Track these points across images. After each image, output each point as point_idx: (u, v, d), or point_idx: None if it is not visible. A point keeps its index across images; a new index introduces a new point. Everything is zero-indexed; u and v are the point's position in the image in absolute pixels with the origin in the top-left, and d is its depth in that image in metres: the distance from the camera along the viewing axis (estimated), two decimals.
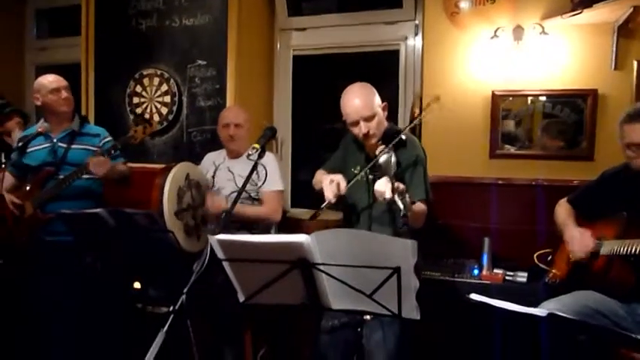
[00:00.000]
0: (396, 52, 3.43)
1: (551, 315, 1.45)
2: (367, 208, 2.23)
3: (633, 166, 1.90)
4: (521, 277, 2.62)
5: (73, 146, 2.74)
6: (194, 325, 2.18)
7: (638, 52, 2.72)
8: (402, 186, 1.79)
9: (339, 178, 2.09)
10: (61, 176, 2.63)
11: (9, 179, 2.75)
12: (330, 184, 2.06)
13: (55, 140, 2.74)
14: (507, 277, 2.66)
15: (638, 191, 1.89)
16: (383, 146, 2.05)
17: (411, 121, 3.05)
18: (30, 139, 2.75)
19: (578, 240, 1.97)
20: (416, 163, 2.16)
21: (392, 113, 3.21)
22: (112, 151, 2.62)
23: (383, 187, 1.82)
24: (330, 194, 2.04)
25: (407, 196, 1.77)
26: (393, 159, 1.95)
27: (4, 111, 3.49)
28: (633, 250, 1.77)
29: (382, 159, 1.96)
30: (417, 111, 3.08)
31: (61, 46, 4.38)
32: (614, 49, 2.72)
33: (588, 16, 2.59)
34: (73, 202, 2.58)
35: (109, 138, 2.84)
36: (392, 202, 1.77)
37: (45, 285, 2.64)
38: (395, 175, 1.89)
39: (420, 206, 2.06)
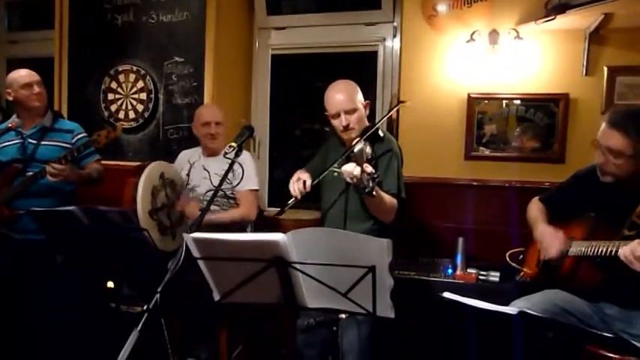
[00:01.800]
0: (375, 54, 3.45)
1: (521, 313, 1.49)
2: (343, 204, 2.26)
3: (599, 174, 1.91)
4: (494, 276, 2.67)
5: (44, 142, 2.68)
6: (168, 324, 2.16)
7: (608, 58, 2.80)
8: (370, 167, 1.87)
9: (305, 176, 2.20)
10: (30, 173, 2.58)
11: None
12: (296, 181, 2.17)
13: (25, 136, 2.68)
14: (481, 277, 2.70)
15: (605, 193, 1.93)
16: (359, 139, 2.12)
17: (383, 116, 3.09)
18: (0, 134, 2.69)
19: (549, 238, 2.01)
20: (390, 158, 2.22)
21: (370, 113, 3.24)
22: (71, 156, 2.54)
23: (351, 167, 1.90)
24: (295, 191, 2.14)
25: (375, 178, 1.85)
26: (367, 149, 2.02)
27: None
28: (599, 252, 1.81)
29: (356, 148, 2.07)
30: (394, 112, 3.11)
31: (33, 40, 4.26)
32: (586, 54, 2.80)
33: (561, 22, 2.65)
34: (40, 199, 2.54)
35: (83, 134, 2.79)
36: (359, 180, 1.85)
37: (14, 283, 2.59)
38: (369, 162, 1.97)
39: (389, 198, 2.13)
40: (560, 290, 1.95)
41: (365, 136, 2.14)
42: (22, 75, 2.69)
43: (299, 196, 2.14)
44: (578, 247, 1.94)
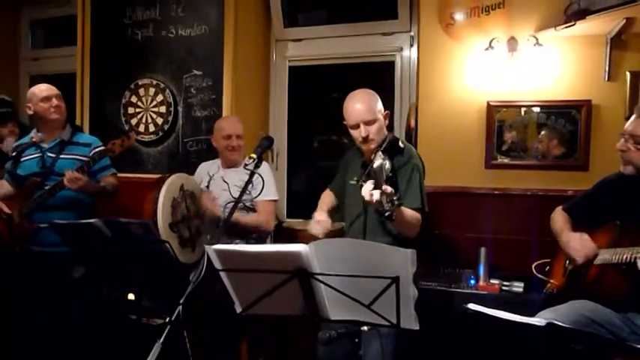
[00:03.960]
0: (392, 63, 3.45)
1: (549, 324, 1.45)
2: (362, 217, 2.23)
3: (622, 171, 1.95)
4: (518, 287, 2.62)
5: (62, 156, 2.72)
6: (190, 336, 2.16)
7: (630, 63, 2.75)
8: (389, 189, 1.79)
9: (324, 218, 2.25)
10: (47, 186, 2.62)
11: (7, 187, 2.75)
12: (316, 223, 2.22)
13: (44, 150, 2.72)
14: (504, 288, 2.65)
15: (631, 199, 1.90)
16: (379, 153, 2.07)
17: (407, 134, 3.08)
18: (24, 149, 2.74)
19: (576, 243, 1.98)
20: (412, 171, 2.17)
21: (389, 123, 3.24)
22: (87, 167, 2.57)
23: (370, 188, 1.84)
24: (316, 232, 2.18)
25: (395, 198, 1.78)
26: (387, 165, 1.97)
27: None
28: (625, 259, 1.78)
29: (376, 164, 1.98)
30: (412, 121, 3.10)
31: (55, 56, 4.38)
32: (608, 60, 2.75)
33: (581, 27, 2.62)
34: (59, 212, 2.57)
35: (101, 147, 2.83)
36: (379, 204, 1.78)
37: (34, 296, 2.61)
38: (388, 180, 1.90)
39: (412, 214, 2.08)
40: (587, 301, 1.90)
41: (383, 148, 2.09)
42: (42, 89, 2.75)
43: (321, 237, 2.14)
44: (603, 256, 1.90)
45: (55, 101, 2.73)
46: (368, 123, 2.17)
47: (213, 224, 2.62)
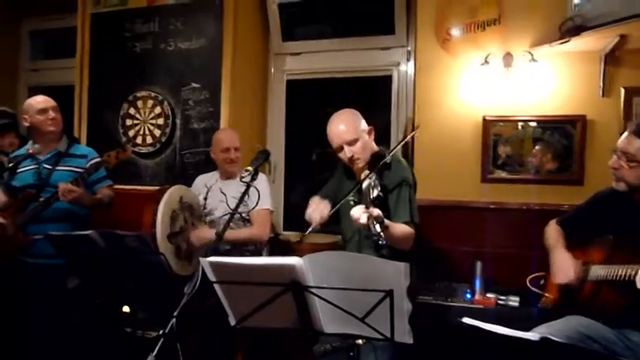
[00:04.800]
0: (389, 78, 3.49)
1: (544, 339, 1.45)
2: (356, 232, 2.23)
3: (615, 187, 1.94)
4: (514, 301, 2.62)
5: (58, 167, 2.72)
6: (184, 349, 2.14)
7: (624, 80, 2.78)
8: (376, 211, 1.80)
9: (323, 205, 2.19)
10: (42, 198, 2.61)
11: (2, 199, 2.74)
12: (315, 209, 2.17)
13: (40, 161, 2.73)
14: (500, 302, 2.65)
15: (623, 215, 1.90)
16: (367, 172, 2.09)
17: (395, 147, 3.09)
18: (20, 160, 2.74)
19: (563, 266, 1.99)
20: (401, 185, 2.16)
21: (384, 137, 3.25)
22: (81, 179, 2.58)
23: (357, 213, 1.85)
24: (315, 220, 2.14)
25: (383, 220, 1.81)
26: (374, 184, 1.98)
27: None
28: (618, 276, 1.78)
29: (364, 184, 2.02)
30: (409, 137, 3.11)
31: (55, 68, 4.40)
32: (602, 76, 2.78)
33: (576, 44, 2.65)
34: (54, 224, 2.56)
35: (97, 158, 2.82)
36: (367, 227, 1.80)
37: (28, 308, 2.60)
38: (377, 200, 1.92)
39: (403, 228, 2.06)
40: (582, 317, 1.90)
41: (369, 167, 2.10)
42: (38, 101, 2.75)
43: (317, 226, 2.13)
44: (597, 272, 1.90)
45: (51, 113, 2.73)
46: (350, 143, 2.17)
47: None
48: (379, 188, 1.98)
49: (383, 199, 1.99)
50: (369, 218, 1.78)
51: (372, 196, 1.94)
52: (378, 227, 1.76)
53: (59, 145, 2.77)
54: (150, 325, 2.58)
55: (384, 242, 1.77)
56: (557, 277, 2.00)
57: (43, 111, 2.72)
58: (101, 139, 3.52)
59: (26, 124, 2.76)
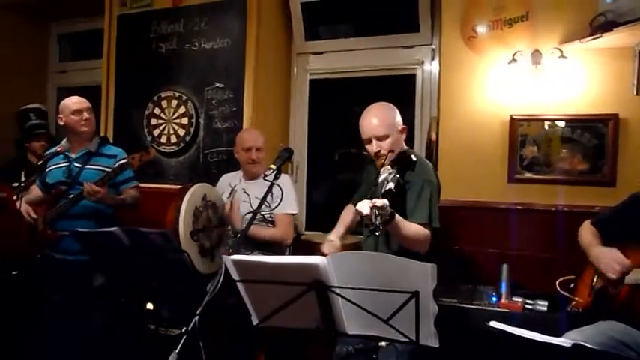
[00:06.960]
0: (413, 77, 3.44)
1: (575, 345, 1.39)
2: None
3: None
4: (542, 305, 2.54)
5: (88, 166, 2.78)
6: (206, 347, 2.15)
7: None
8: (380, 203, 1.76)
9: (333, 236, 2.29)
10: (72, 195, 2.67)
11: (37, 192, 2.81)
12: (328, 243, 2.25)
13: (72, 160, 2.78)
14: (527, 306, 2.57)
15: None
16: (388, 167, 2.07)
17: (428, 148, 3.05)
18: (49, 158, 2.80)
19: (613, 256, 1.90)
20: (423, 186, 2.11)
21: (408, 137, 3.20)
22: (107, 179, 2.61)
23: (363, 205, 1.81)
24: (326, 251, 2.17)
25: (387, 212, 1.78)
26: (390, 179, 1.95)
27: (35, 132, 3.54)
28: None
29: (381, 177, 2.00)
30: (433, 135, 3.07)
31: (82, 69, 4.49)
32: (636, 73, 2.68)
33: (608, 40, 2.56)
34: (80, 221, 2.62)
35: (123, 160, 2.86)
36: (369, 218, 1.76)
37: (54, 302, 2.65)
38: (389, 193, 1.89)
39: (417, 229, 2.02)
40: (616, 322, 1.83)
41: (391, 163, 2.08)
42: (74, 102, 2.82)
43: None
44: (635, 275, 1.83)
45: (85, 114, 2.80)
46: (380, 138, 2.13)
47: (232, 234, 2.63)
48: (394, 184, 1.95)
49: (395, 195, 1.94)
50: (372, 209, 1.74)
51: (384, 189, 1.91)
52: (378, 220, 1.72)
53: (90, 145, 2.83)
54: (173, 323, 2.60)
55: (377, 233, 1.75)
56: (609, 269, 1.87)
57: (78, 112, 2.78)
58: (127, 138, 3.58)
59: (61, 123, 2.84)
